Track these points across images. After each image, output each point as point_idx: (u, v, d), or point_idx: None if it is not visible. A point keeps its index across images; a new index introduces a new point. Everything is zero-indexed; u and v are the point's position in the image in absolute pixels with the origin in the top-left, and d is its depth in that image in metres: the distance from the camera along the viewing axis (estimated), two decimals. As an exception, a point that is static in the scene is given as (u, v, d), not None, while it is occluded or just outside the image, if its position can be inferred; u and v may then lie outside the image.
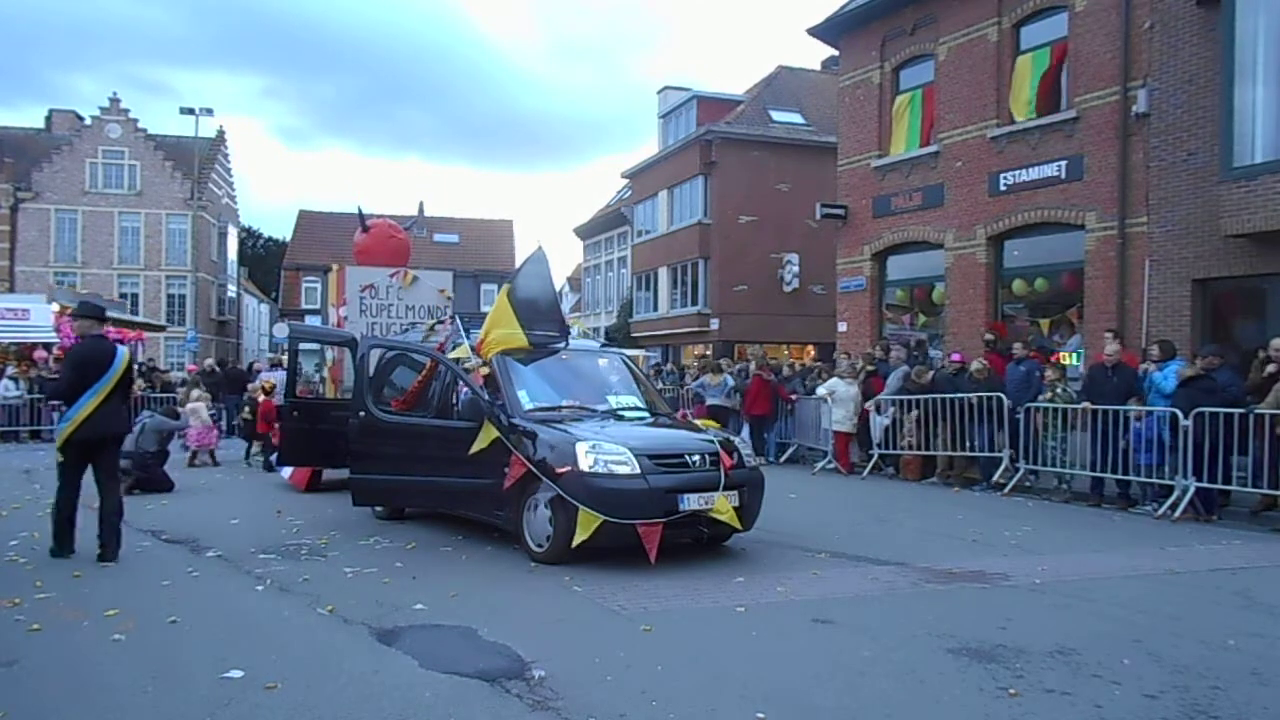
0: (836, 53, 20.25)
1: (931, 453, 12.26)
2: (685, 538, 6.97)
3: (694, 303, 29.66)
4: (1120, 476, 10.09)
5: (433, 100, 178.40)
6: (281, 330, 23.70)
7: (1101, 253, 13.60)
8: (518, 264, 9.89)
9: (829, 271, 20.02)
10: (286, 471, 11.66)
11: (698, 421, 8.85)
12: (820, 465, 13.58)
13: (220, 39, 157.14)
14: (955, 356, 12.86)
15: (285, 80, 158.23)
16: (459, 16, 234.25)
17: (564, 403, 7.89)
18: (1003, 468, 11.27)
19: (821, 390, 13.73)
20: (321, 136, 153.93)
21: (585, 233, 42.43)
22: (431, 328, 9.87)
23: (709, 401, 14.88)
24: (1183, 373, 9.76)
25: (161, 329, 36.03)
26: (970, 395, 11.55)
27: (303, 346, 12.71)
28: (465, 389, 7.83)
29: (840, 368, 14.14)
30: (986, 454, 11.47)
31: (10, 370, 18.52)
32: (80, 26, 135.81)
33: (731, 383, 15.18)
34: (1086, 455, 10.43)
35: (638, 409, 8.21)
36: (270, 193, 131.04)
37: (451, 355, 8.38)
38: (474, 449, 7.38)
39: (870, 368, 14.04)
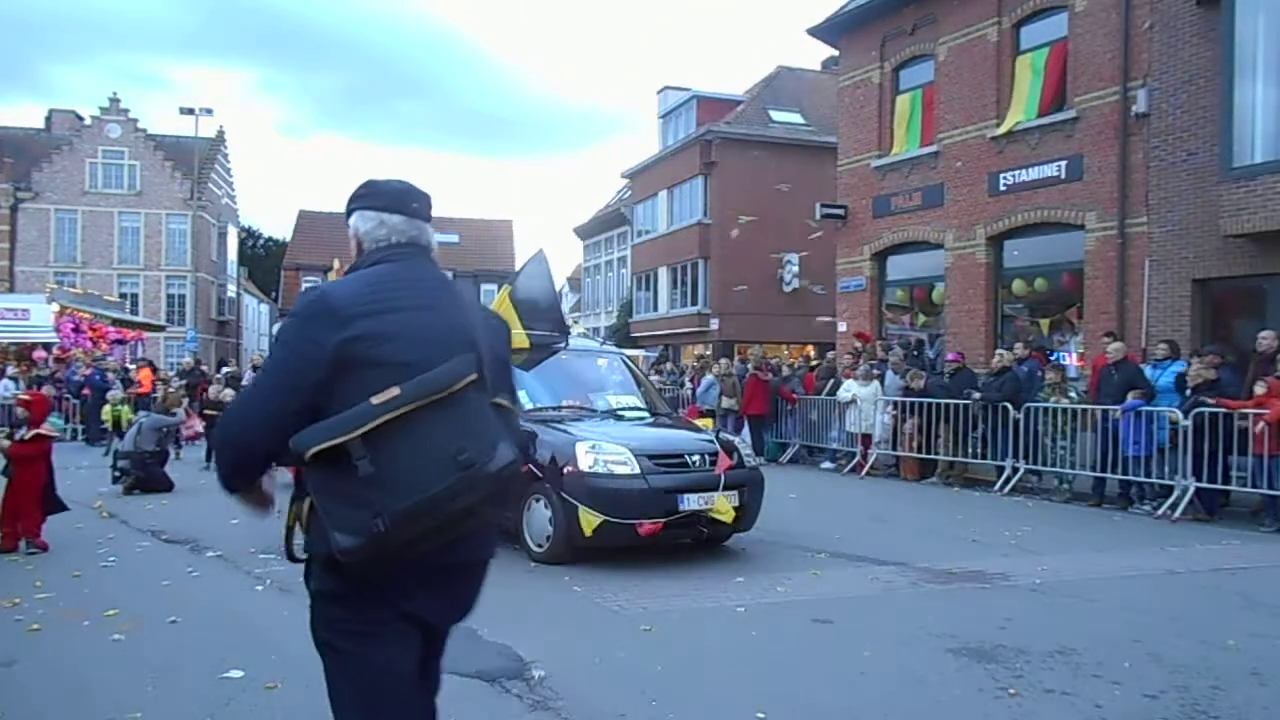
0: (836, 53, 20.23)
1: (933, 456, 12.26)
2: (685, 538, 6.97)
3: (694, 303, 29.65)
4: (1122, 477, 10.08)
5: (433, 92, 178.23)
6: (281, 330, 23.60)
7: (1101, 253, 13.59)
8: (517, 264, 9.90)
9: (829, 271, 20.00)
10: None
11: (696, 420, 8.86)
12: (849, 466, 13.46)
13: (215, 30, 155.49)
14: (952, 356, 12.86)
15: (282, 72, 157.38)
16: (460, 8, 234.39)
17: (564, 402, 7.90)
18: (1005, 474, 11.25)
19: (843, 394, 13.70)
20: (320, 130, 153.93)
21: (585, 233, 42.41)
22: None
23: (697, 401, 14.90)
24: (1191, 378, 9.70)
25: (161, 329, 35.99)
26: (970, 402, 11.57)
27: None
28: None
29: (859, 370, 14.02)
30: (989, 461, 11.44)
31: (10, 370, 18.49)
32: (72, 18, 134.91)
33: (710, 380, 15.09)
34: (1089, 456, 10.41)
35: (637, 409, 8.21)
36: (269, 189, 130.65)
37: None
38: None
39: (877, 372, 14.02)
